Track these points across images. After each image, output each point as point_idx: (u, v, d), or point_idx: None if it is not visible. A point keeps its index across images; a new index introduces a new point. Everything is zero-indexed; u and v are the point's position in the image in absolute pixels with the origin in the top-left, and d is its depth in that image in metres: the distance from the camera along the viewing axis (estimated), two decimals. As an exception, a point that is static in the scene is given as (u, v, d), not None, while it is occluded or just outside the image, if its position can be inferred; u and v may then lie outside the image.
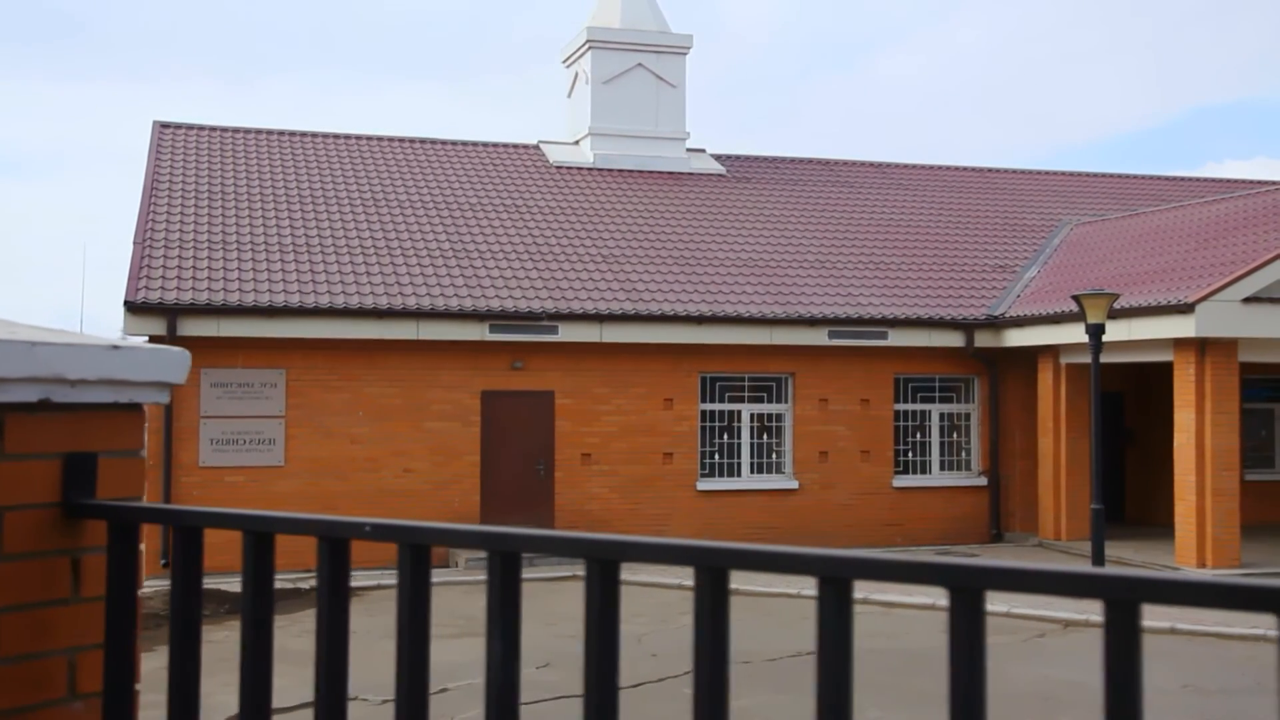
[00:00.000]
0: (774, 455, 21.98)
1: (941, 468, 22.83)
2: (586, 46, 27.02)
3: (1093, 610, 13.26)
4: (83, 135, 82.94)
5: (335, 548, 1.92)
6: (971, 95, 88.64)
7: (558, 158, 26.39)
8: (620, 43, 27.01)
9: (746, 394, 21.88)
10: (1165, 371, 20.63)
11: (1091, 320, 17.01)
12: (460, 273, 20.99)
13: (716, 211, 24.99)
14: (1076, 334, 19.37)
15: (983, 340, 22.32)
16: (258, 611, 2.00)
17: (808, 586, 14.99)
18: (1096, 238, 24.67)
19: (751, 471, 21.87)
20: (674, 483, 21.19)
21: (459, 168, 25.34)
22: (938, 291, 22.94)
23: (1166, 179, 31.01)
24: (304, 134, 25.68)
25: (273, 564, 2.02)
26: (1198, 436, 18.86)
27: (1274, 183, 26.16)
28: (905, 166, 29.13)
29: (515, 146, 26.86)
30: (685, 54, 27.50)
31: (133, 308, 18.55)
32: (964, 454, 22.99)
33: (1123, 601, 1.35)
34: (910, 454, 22.65)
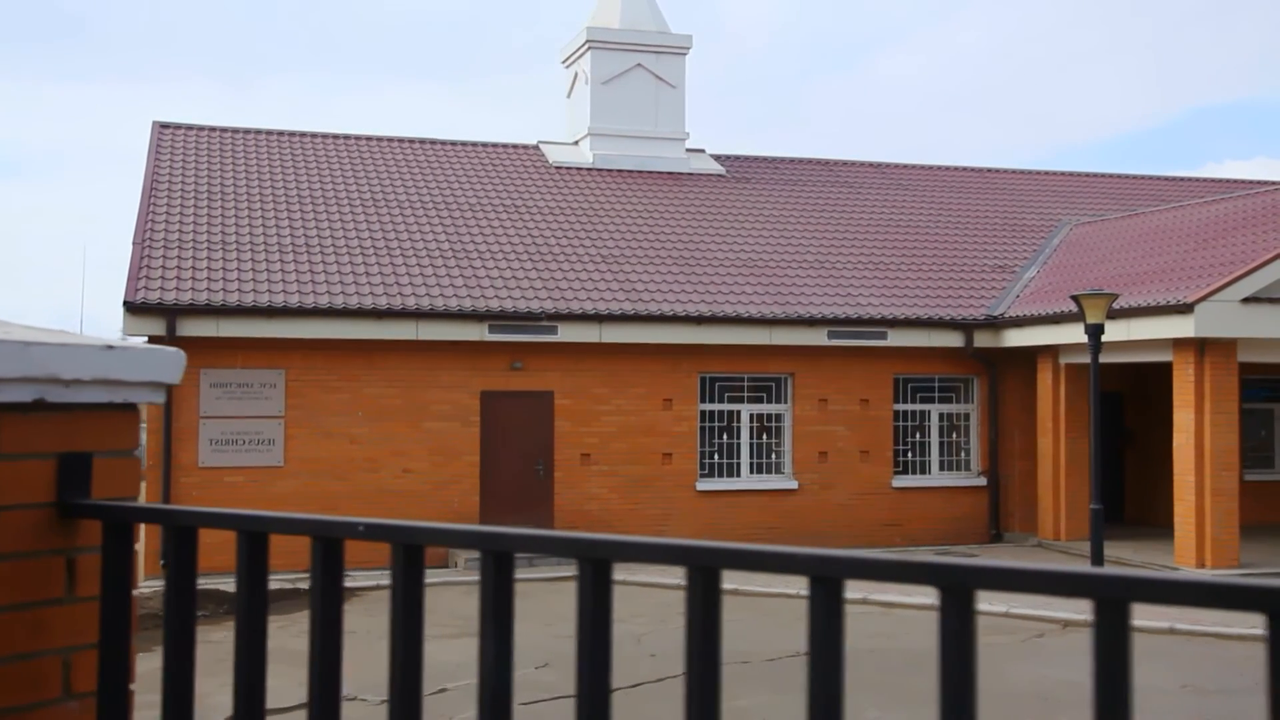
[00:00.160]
0: (773, 455, 21.98)
1: (941, 468, 22.83)
2: (586, 47, 27.02)
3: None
4: (82, 135, 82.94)
5: (329, 547, 1.93)
6: (971, 95, 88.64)
7: (557, 158, 26.39)
8: (620, 43, 27.01)
9: (746, 394, 21.88)
10: (1164, 371, 20.63)
11: (1091, 320, 17.02)
12: (460, 273, 21.00)
13: (716, 212, 24.99)
14: (1076, 334, 19.37)
15: (982, 340, 22.32)
16: (252, 611, 2.01)
17: (806, 587, 14.92)
18: (1096, 238, 24.66)
19: (751, 472, 21.87)
20: (673, 483, 21.19)
21: (459, 168, 25.34)
22: (937, 291, 22.94)
23: (1166, 179, 31.01)
24: (303, 134, 25.67)
25: (267, 564, 2.02)
26: (1197, 436, 18.86)
27: (1274, 183, 26.15)
28: (905, 167, 29.12)
29: (515, 147, 26.86)
30: (685, 54, 27.50)
31: (132, 308, 18.55)
32: (963, 454, 22.99)
33: (1112, 601, 1.35)
34: (910, 454, 22.65)
